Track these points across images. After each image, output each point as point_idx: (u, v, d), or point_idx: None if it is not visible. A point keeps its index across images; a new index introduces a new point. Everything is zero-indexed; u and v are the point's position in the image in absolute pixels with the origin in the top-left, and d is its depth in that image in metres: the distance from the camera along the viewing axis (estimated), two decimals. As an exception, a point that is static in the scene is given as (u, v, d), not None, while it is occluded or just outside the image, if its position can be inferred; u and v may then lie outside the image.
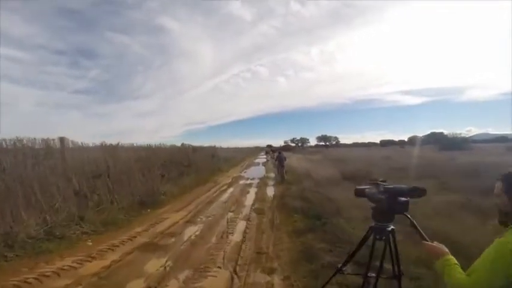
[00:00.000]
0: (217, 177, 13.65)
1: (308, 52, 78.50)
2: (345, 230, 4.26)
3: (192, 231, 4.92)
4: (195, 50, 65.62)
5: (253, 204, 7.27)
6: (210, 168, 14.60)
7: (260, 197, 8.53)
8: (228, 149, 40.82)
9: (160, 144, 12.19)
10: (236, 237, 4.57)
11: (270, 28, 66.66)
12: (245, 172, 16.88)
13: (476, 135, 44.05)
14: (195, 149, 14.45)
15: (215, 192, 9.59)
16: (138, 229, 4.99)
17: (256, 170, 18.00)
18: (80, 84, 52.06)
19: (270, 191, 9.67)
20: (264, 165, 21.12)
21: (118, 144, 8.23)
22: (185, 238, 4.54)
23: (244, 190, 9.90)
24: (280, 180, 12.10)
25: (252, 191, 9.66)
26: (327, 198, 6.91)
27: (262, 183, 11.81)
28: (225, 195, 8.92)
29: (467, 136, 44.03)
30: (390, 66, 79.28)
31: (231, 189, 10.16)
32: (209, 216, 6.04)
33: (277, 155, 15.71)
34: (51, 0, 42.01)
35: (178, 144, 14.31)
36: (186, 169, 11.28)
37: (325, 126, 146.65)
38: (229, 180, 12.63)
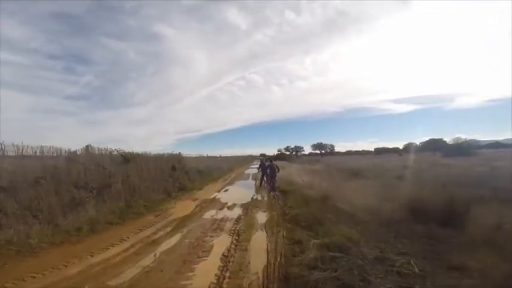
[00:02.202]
0: (169, 205, 8.48)
1: (302, 61, 77.65)
2: None
3: None
4: (189, 58, 65.36)
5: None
6: (160, 188, 9.40)
7: (238, 260, 3.62)
8: (217, 158, 36.07)
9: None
10: None
11: (264, 37, 66.43)
12: (226, 191, 11.73)
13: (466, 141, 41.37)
14: (133, 157, 9.18)
15: (126, 251, 4.48)
16: None
17: (243, 187, 12.90)
18: (73, 90, 50.50)
19: (260, 240, 4.70)
20: (256, 179, 15.97)
21: None
22: None
23: (205, 243, 4.81)
24: (272, 196, 9.32)
25: (223, 242, 4.66)
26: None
27: (248, 215, 6.78)
28: (144, 261, 3.84)
29: (472, 141, 40.82)
30: (382, 74, 78.49)
31: (175, 238, 5.06)
32: None
33: (268, 163, 10.83)
34: (48, 4, 39.95)
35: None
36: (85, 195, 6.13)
37: (318, 134, 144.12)
38: (188, 212, 7.52)
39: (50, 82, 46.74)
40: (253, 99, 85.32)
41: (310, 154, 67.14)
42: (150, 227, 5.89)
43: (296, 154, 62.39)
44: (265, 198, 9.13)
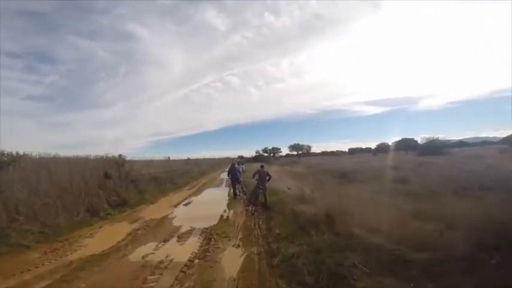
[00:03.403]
0: (86, 232, 5.40)
1: (279, 63, 77.21)
2: None
3: None
4: (164, 58, 62.81)
5: None
6: (79, 206, 6.19)
7: None
8: (187, 160, 32.39)
9: None
10: None
11: (243, 39, 65.33)
12: (187, 204, 8.77)
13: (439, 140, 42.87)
14: (12, 160, 5.83)
15: None
16: None
17: (213, 198, 10.02)
18: (34, 90, 45.30)
19: None
20: (230, 186, 13.01)
21: None
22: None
23: None
24: (251, 212, 6.56)
25: None
26: None
27: (209, 254, 3.94)
28: None
29: (443, 140, 42.13)
30: (355, 77, 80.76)
31: None
32: None
33: (258, 168, 8.04)
34: (11, 1, 34.62)
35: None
36: None
37: (294, 136, 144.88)
38: (107, 245, 4.49)
39: (7, 81, 40.91)
40: (230, 101, 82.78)
41: (287, 155, 65.70)
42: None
43: (274, 155, 60.40)
44: (241, 217, 6.36)
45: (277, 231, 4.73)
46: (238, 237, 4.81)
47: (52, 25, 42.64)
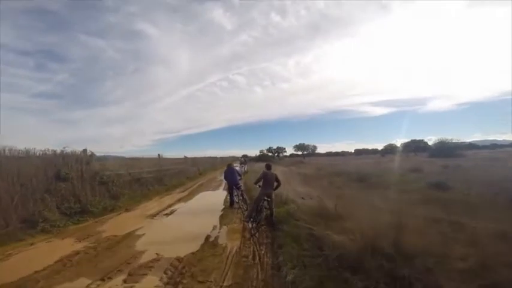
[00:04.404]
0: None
1: (285, 63, 75.95)
2: None
3: None
4: (171, 57, 62.87)
5: None
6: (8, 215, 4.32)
7: None
8: (185, 159, 30.55)
9: None
10: None
11: (249, 38, 65.79)
12: (169, 214, 6.93)
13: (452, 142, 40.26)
14: None
15: None
16: None
17: (205, 205, 8.16)
18: (44, 88, 45.96)
19: None
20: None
21: None
22: None
23: None
24: (252, 233, 4.45)
25: None
26: None
27: None
28: None
29: (457, 142, 39.48)
30: (362, 78, 78.62)
31: None
32: None
33: (264, 170, 5.87)
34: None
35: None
36: None
37: (299, 136, 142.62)
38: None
39: (19, 79, 41.47)
40: (235, 100, 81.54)
41: (291, 155, 63.61)
42: None
43: (278, 155, 58.33)
44: (235, 240, 4.41)
45: (291, 277, 2.78)
46: (225, 284, 2.87)
47: (62, 23, 42.81)
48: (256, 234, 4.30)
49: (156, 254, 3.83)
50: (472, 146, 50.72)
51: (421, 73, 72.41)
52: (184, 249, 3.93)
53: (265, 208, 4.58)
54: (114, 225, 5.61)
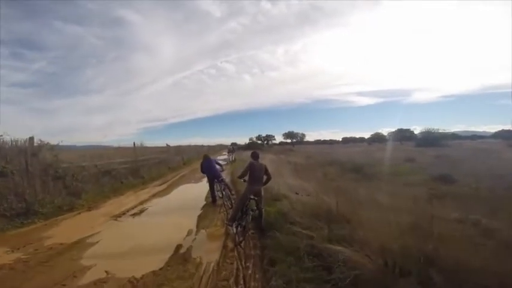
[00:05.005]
0: None
1: (274, 51, 74.45)
2: None
3: None
4: (155, 44, 59.75)
5: None
6: None
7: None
8: (167, 147, 29.00)
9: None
10: None
11: (238, 25, 63.39)
12: (136, 215, 5.92)
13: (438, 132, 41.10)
14: None
15: None
16: None
17: (184, 202, 7.21)
18: (20, 77, 43.70)
19: None
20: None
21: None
22: None
23: None
24: (238, 241, 3.43)
25: None
26: None
27: None
28: None
29: (442, 132, 40.16)
30: (348, 68, 78.65)
31: None
32: None
33: (250, 160, 5.22)
34: None
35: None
36: None
37: (287, 124, 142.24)
38: None
39: None
40: (224, 88, 79.24)
41: (280, 143, 63.20)
42: None
43: (268, 143, 57.67)
44: (213, 252, 3.47)
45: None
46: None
47: (37, 11, 40.04)
48: (242, 244, 3.39)
49: (105, 271, 2.85)
50: (455, 136, 52.35)
51: (406, 65, 73.82)
52: (144, 265, 2.97)
53: (252, 210, 3.65)
54: (66, 228, 4.52)
